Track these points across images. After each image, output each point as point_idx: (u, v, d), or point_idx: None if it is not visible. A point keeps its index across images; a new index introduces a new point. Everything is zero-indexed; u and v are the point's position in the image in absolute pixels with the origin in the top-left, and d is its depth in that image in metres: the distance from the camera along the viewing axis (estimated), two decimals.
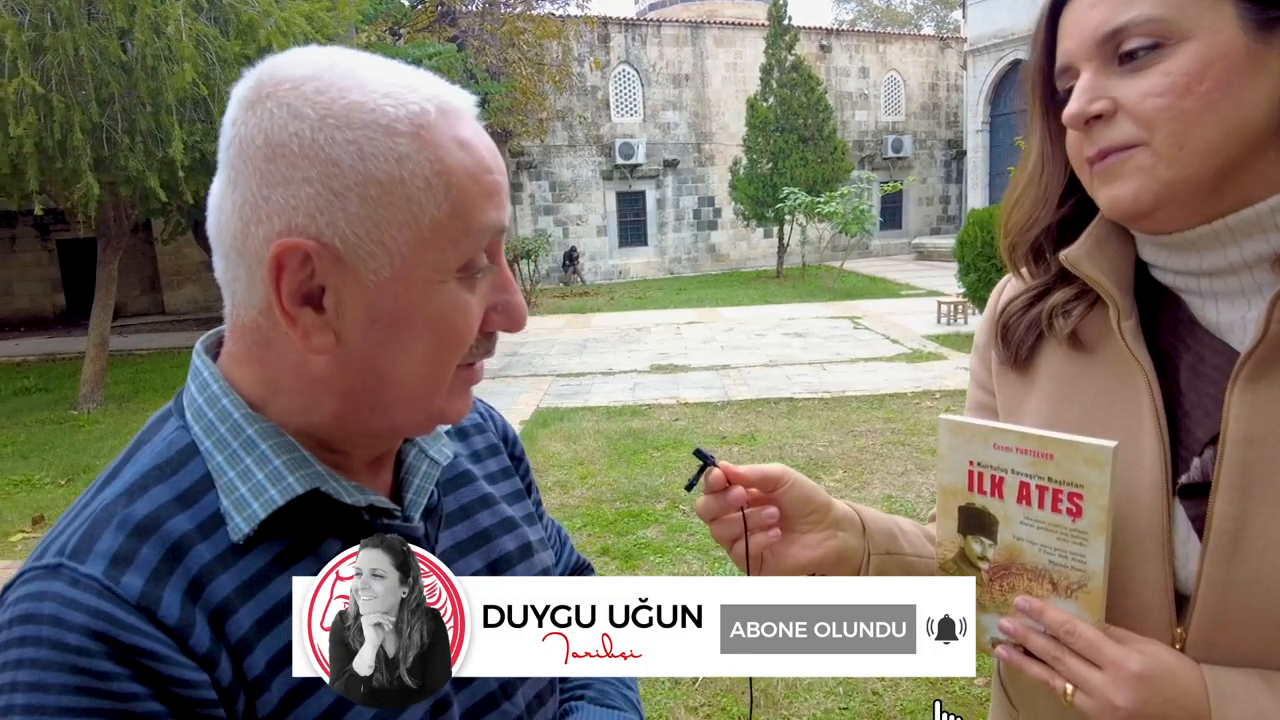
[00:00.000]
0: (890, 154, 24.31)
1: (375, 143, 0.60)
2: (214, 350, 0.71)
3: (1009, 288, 0.95)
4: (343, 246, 0.61)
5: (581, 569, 1.03)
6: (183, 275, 18.86)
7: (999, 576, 0.81)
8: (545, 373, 9.99)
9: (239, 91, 0.63)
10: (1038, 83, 0.83)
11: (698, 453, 0.84)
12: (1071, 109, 0.75)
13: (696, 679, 3.40)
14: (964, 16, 22.69)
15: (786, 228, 19.34)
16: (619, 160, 21.52)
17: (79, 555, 0.59)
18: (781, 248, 19.93)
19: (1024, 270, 0.91)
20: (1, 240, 18.61)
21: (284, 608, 0.63)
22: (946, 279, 14.37)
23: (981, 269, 9.97)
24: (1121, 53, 0.72)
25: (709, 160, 22.74)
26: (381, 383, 0.65)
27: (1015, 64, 19.97)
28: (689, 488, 0.84)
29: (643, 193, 22.40)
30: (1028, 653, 0.78)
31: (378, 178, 0.60)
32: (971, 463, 0.81)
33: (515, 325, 0.70)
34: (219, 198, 0.64)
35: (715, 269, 23.04)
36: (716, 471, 0.83)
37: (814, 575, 0.93)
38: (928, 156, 25.38)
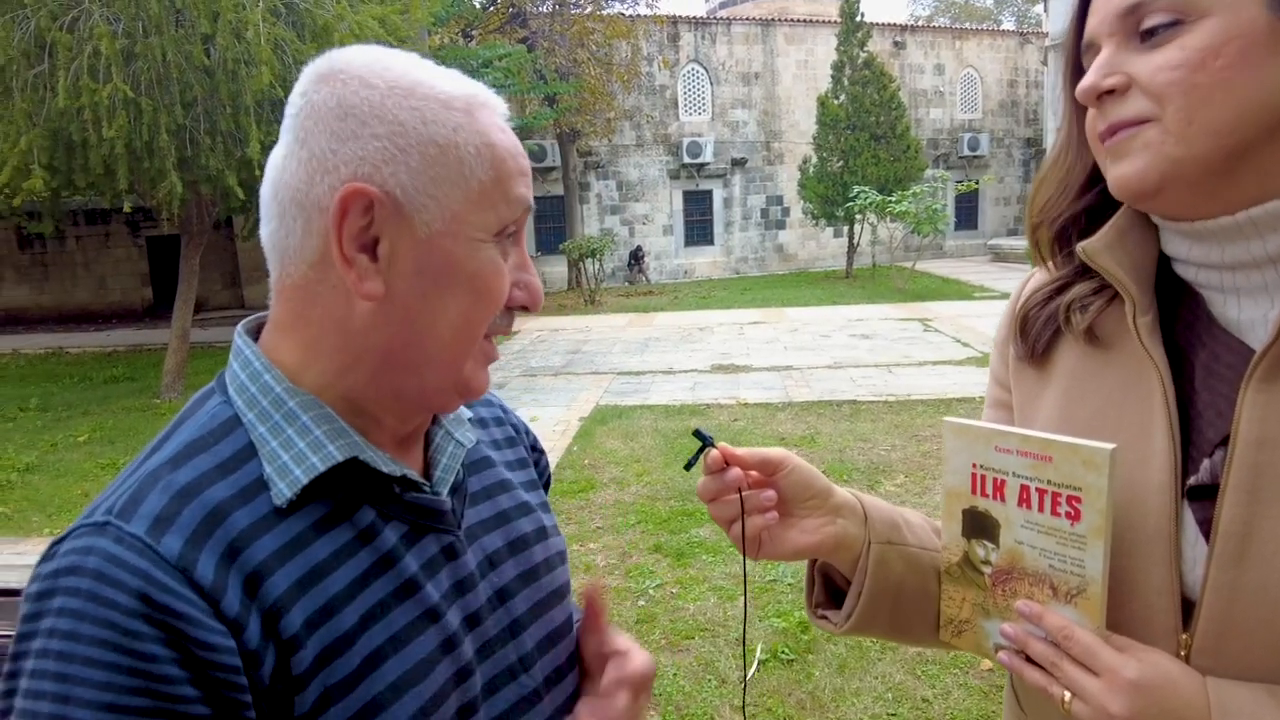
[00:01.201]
0: (966, 152, 23.71)
1: (435, 112, 0.68)
2: (254, 333, 0.76)
3: (1033, 280, 0.93)
4: (402, 196, 0.67)
5: None
6: (261, 270, 19.02)
7: (1002, 581, 0.80)
8: (606, 370, 10.05)
9: (310, 70, 0.71)
10: (1068, 62, 0.81)
11: (697, 433, 0.85)
12: (1084, 83, 0.73)
13: (742, 679, 3.38)
14: (1045, 10, 21.97)
15: (857, 227, 19.05)
16: (686, 159, 21.49)
17: (125, 515, 0.63)
18: (851, 247, 19.63)
19: (1049, 260, 0.89)
20: (97, 237, 19.59)
21: (323, 569, 0.67)
22: None
23: None
24: (1142, 29, 0.70)
25: (778, 159, 22.54)
26: (419, 337, 0.69)
27: None
28: (687, 467, 0.86)
29: (710, 192, 22.33)
30: (1030, 659, 0.76)
31: (437, 140, 0.67)
32: (975, 465, 0.80)
33: (534, 303, 0.76)
34: (282, 158, 0.70)
35: (782, 269, 22.83)
36: (715, 452, 0.84)
37: (812, 559, 0.93)
38: (1005, 155, 24.69)
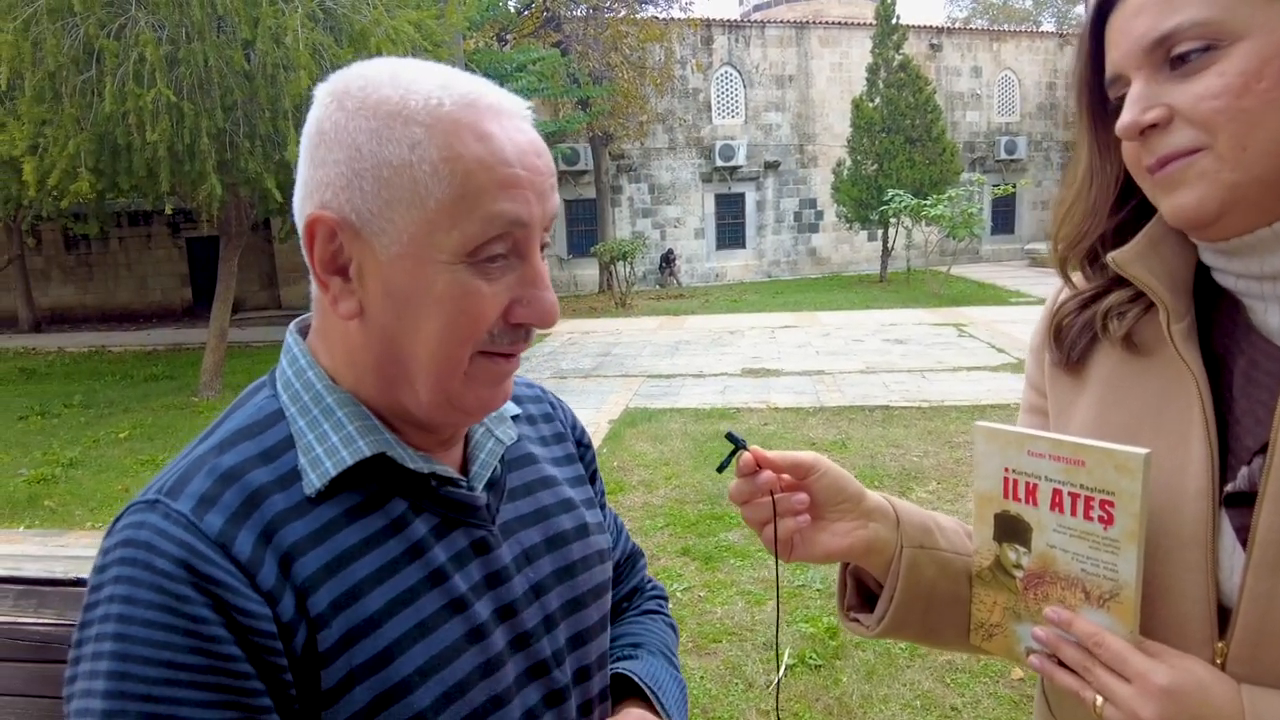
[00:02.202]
0: (1003, 156, 23.40)
1: (393, 130, 0.67)
2: (305, 332, 0.80)
3: (1066, 288, 0.92)
4: (359, 221, 0.68)
5: (634, 555, 1.08)
6: (298, 272, 19.82)
7: (1033, 585, 0.80)
8: (636, 373, 10.07)
9: (317, 92, 0.73)
10: (1084, 93, 0.82)
11: (729, 436, 0.86)
12: (1125, 120, 0.73)
13: (770, 683, 3.37)
14: (1086, 10, 21.63)
15: (891, 231, 18.89)
16: (719, 162, 21.46)
17: (173, 494, 0.68)
18: (886, 251, 19.46)
19: (1076, 276, 0.89)
20: (139, 238, 20.02)
21: (351, 554, 0.70)
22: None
23: None
24: (1173, 57, 0.70)
25: (811, 162, 22.42)
26: (401, 356, 0.71)
27: None
28: (720, 469, 0.86)
29: (742, 195, 22.27)
30: (1062, 662, 0.76)
31: (391, 161, 0.67)
32: (1007, 469, 0.80)
33: (542, 320, 0.73)
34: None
35: (815, 272, 22.69)
36: (747, 455, 0.85)
37: (844, 562, 0.93)
38: (1043, 159, 24.33)
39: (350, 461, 0.71)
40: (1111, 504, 0.73)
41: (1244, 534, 0.71)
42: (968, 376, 9.04)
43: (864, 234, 21.70)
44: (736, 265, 22.41)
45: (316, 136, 0.70)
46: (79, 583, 1.79)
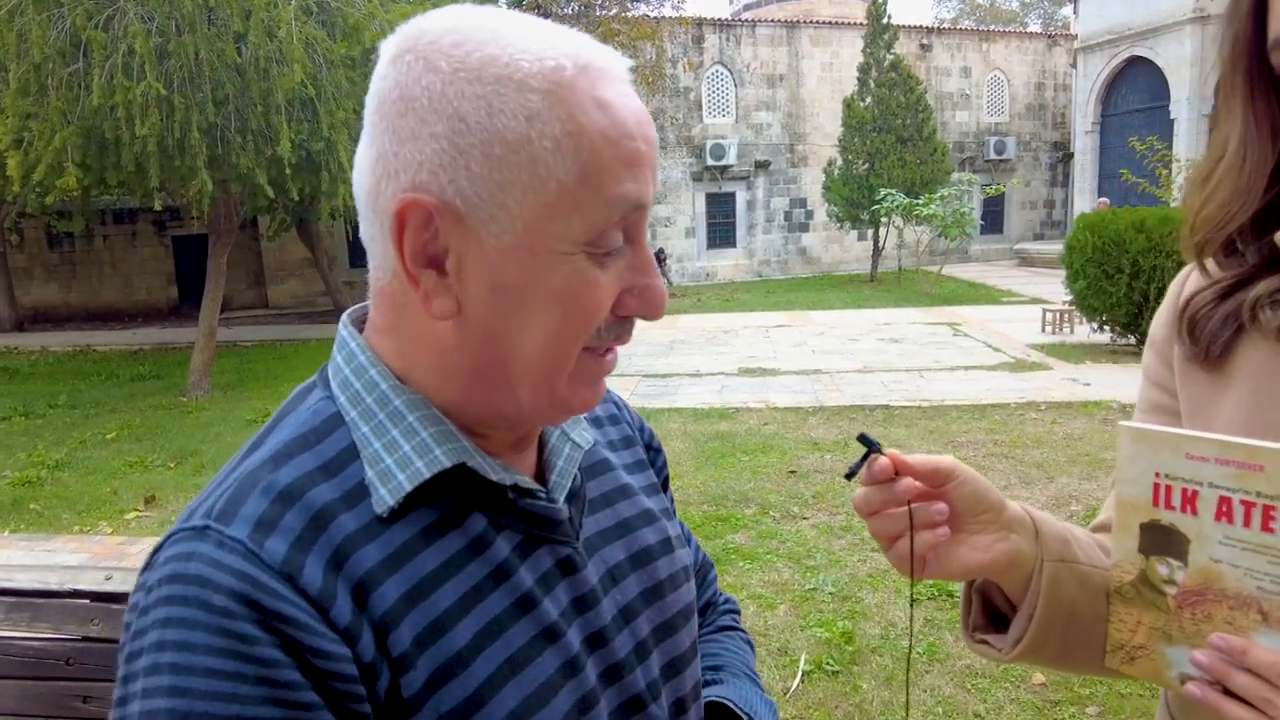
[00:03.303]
0: (992, 156, 23.49)
1: (505, 98, 0.57)
2: (359, 324, 0.69)
3: (1193, 279, 0.86)
4: (464, 207, 0.58)
5: (706, 567, 0.99)
6: (286, 270, 19.66)
7: (1191, 603, 0.71)
8: (631, 373, 9.98)
9: (385, 47, 0.62)
10: (1240, 59, 0.75)
11: (862, 438, 0.75)
12: None
13: (787, 691, 3.29)
14: (1075, 12, 21.74)
15: (882, 230, 18.89)
16: (709, 161, 21.41)
17: (225, 518, 0.58)
18: (876, 251, 19.47)
19: (1210, 263, 0.82)
20: (124, 236, 19.78)
21: (431, 581, 0.61)
22: (1051, 286, 13.76)
23: (1091, 275, 9.48)
24: None
25: (802, 161, 22.42)
26: (504, 357, 0.62)
27: (1130, 61, 19.02)
28: (849, 476, 0.75)
29: (733, 194, 22.23)
30: (1228, 691, 0.68)
31: (504, 135, 0.57)
32: (1158, 474, 0.71)
33: (653, 311, 0.65)
34: (360, 156, 0.63)
35: (805, 272, 22.68)
36: (883, 459, 0.74)
37: (979, 580, 0.85)
38: (1031, 159, 24.43)
39: (427, 474, 0.62)
40: None
41: None
42: (966, 376, 9.00)
43: (854, 234, 21.72)
44: (727, 264, 22.37)
45: (401, 104, 0.58)
46: (76, 594, 1.68)
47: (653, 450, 0.90)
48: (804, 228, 22.77)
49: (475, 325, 0.61)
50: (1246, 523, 0.67)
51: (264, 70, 7.52)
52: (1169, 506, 0.71)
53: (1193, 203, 0.81)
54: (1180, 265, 0.90)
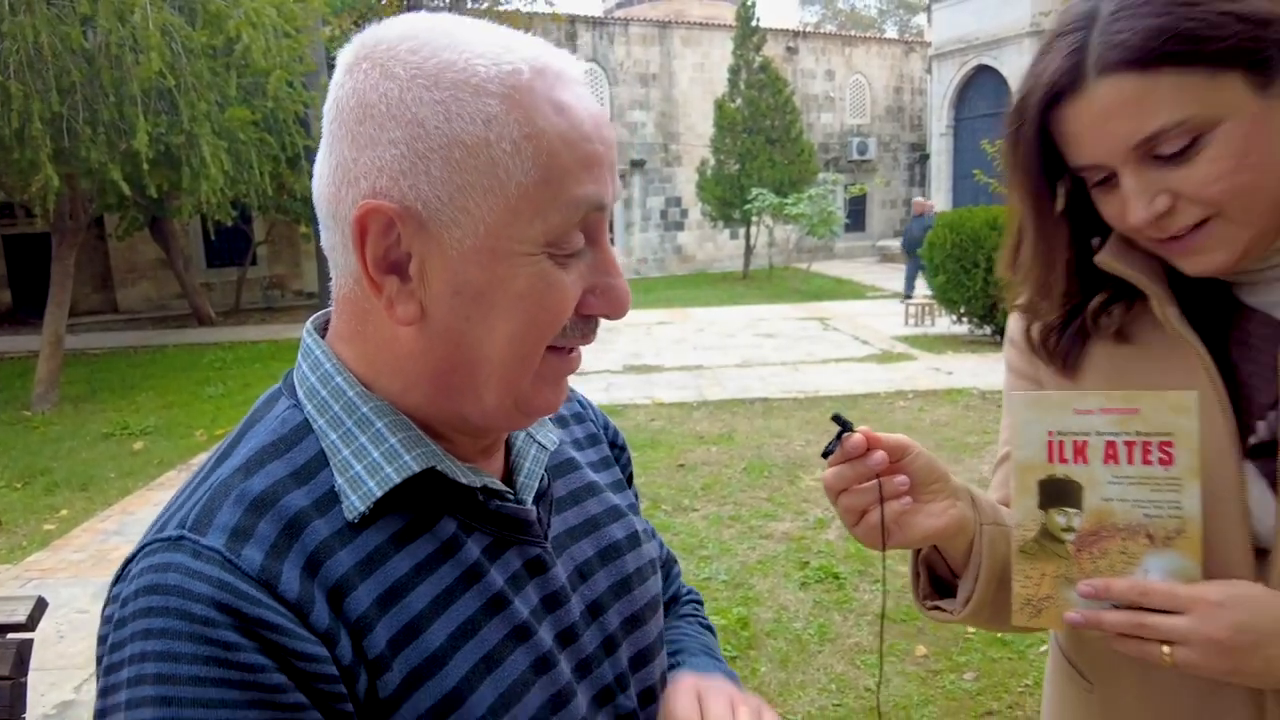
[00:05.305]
0: (855, 156, 24.52)
1: (463, 103, 0.58)
2: (321, 330, 0.70)
3: (1013, 321, 1.00)
4: (425, 211, 0.59)
5: (670, 562, 1.02)
6: (137, 272, 18.38)
7: (1089, 544, 0.81)
8: None
9: (342, 55, 0.63)
10: (1031, 173, 0.86)
11: (836, 418, 0.82)
12: (1140, 216, 0.78)
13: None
14: (929, 21, 22.99)
15: (754, 229, 19.44)
16: None
17: (199, 528, 0.58)
18: (749, 249, 20.01)
19: (1035, 308, 0.95)
20: None
21: (404, 585, 0.62)
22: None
23: (950, 270, 10.09)
24: (1155, 155, 0.76)
25: (676, 160, 22.76)
26: (469, 360, 0.63)
27: (979, 69, 20.27)
28: (826, 454, 0.82)
29: None
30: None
31: (463, 139, 0.58)
32: (1050, 433, 0.81)
33: (617, 310, 0.67)
34: (319, 164, 0.64)
35: (682, 270, 23.06)
36: (857, 436, 0.81)
37: (916, 550, 0.94)
38: (891, 159, 25.67)
39: (397, 479, 0.63)
40: (1170, 444, 0.77)
41: (1272, 479, 0.79)
42: (838, 368, 9.41)
43: (726, 232, 22.21)
44: None
45: (359, 111, 0.59)
46: None
47: (617, 448, 0.93)
48: (679, 226, 23.14)
49: (439, 329, 0.62)
50: (1130, 459, 0.79)
51: (116, 58, 7.03)
52: (1062, 460, 0.81)
53: (1006, 277, 0.95)
54: None
